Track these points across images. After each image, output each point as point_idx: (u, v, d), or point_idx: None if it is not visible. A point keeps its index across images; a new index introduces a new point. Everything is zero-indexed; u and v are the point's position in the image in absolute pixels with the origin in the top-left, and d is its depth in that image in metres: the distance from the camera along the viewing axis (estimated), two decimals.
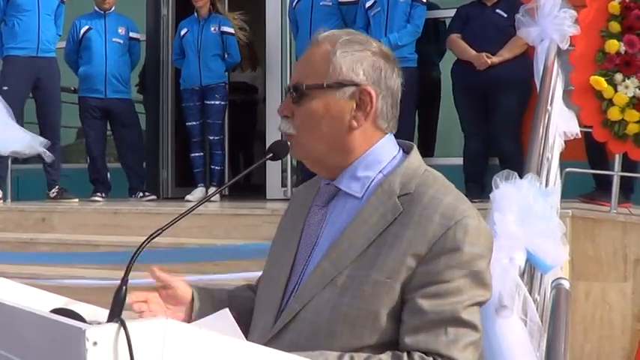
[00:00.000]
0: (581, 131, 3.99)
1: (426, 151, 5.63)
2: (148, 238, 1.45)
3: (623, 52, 4.16)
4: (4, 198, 5.87)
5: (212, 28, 6.16)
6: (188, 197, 6.03)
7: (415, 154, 1.59)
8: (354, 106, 1.53)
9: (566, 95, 4.12)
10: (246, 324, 1.66)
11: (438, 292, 1.42)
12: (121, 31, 6.26)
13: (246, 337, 1.51)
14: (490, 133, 5.24)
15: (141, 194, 6.20)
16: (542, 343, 2.26)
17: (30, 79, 5.96)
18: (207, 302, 1.69)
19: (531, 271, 2.53)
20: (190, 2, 6.24)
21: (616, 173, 4.27)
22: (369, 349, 1.44)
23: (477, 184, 5.13)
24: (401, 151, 1.60)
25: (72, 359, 1.03)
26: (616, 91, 4.14)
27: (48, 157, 5.84)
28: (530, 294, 2.42)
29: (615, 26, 4.19)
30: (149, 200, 6.13)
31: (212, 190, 6.07)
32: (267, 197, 6.25)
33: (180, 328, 1.09)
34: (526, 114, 4.97)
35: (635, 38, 4.15)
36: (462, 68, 5.25)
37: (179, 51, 6.31)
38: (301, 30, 5.82)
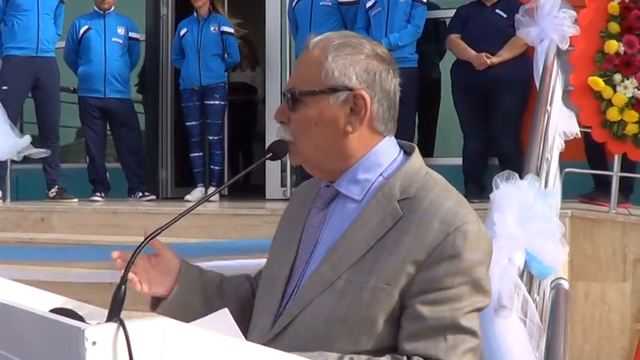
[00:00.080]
0: (580, 131, 3.98)
1: (426, 151, 5.63)
2: (147, 238, 1.45)
3: (622, 53, 4.16)
4: (4, 198, 5.87)
5: (212, 28, 6.16)
6: (187, 197, 6.03)
7: (416, 156, 1.57)
8: (349, 110, 1.51)
9: (566, 95, 4.12)
10: (236, 313, 1.65)
11: (437, 299, 1.42)
12: (121, 31, 6.26)
13: (245, 334, 1.51)
14: (490, 133, 5.24)
15: (140, 194, 6.20)
16: (541, 343, 2.26)
17: (29, 79, 5.96)
18: (192, 280, 1.68)
19: (531, 272, 2.53)
20: (190, 2, 6.24)
21: (615, 174, 4.27)
22: (367, 353, 1.44)
23: (476, 185, 5.13)
24: (402, 152, 1.59)
25: (71, 359, 1.03)
26: (615, 91, 4.14)
27: (41, 153, 5.81)
28: (529, 294, 2.42)
29: (614, 27, 4.19)
30: (148, 200, 6.13)
31: (211, 190, 6.07)
32: (267, 197, 6.25)
33: (179, 328, 1.09)
34: (526, 114, 4.97)
35: (634, 39, 4.15)
36: (461, 68, 5.25)
37: (178, 51, 6.31)
38: (301, 30, 5.81)
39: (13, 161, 5.99)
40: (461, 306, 1.43)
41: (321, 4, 5.73)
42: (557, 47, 4.12)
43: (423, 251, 1.43)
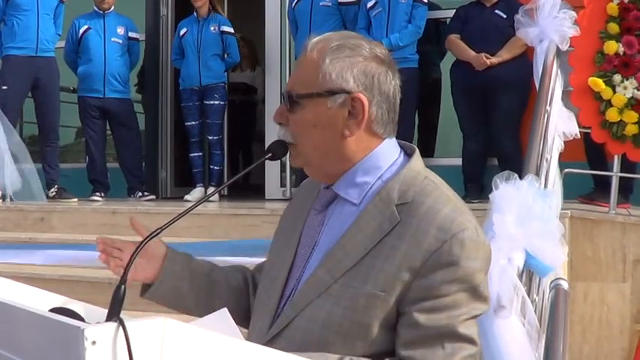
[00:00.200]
0: (580, 132, 3.99)
1: (426, 152, 5.64)
2: (146, 238, 1.45)
3: (621, 53, 4.16)
4: (4, 197, 5.86)
5: (212, 28, 6.16)
6: (187, 197, 6.03)
7: (416, 158, 1.55)
8: (346, 114, 1.49)
9: (566, 96, 4.12)
10: (230, 302, 1.67)
11: (434, 307, 1.41)
12: (120, 30, 6.27)
13: (239, 324, 1.52)
14: (489, 133, 5.25)
15: (140, 194, 6.20)
16: (540, 343, 2.26)
17: (29, 79, 5.96)
18: (179, 266, 1.69)
19: (530, 271, 2.54)
20: (190, 2, 6.24)
21: (615, 174, 4.27)
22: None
23: (476, 185, 5.13)
24: (402, 154, 1.57)
25: (71, 358, 1.03)
26: (614, 92, 4.14)
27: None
28: (528, 294, 2.42)
29: (614, 27, 4.19)
30: (148, 200, 6.13)
31: (211, 190, 6.07)
32: (266, 197, 6.25)
33: (179, 328, 1.09)
34: (525, 114, 4.97)
35: (633, 39, 4.15)
36: (461, 69, 5.25)
37: (178, 51, 6.32)
38: (301, 30, 5.81)
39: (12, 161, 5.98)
40: (458, 313, 1.41)
41: (320, 4, 5.73)
42: (557, 47, 4.12)
43: (419, 258, 1.41)
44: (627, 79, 4.14)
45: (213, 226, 4.71)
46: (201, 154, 6.34)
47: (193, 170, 6.33)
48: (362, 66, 1.50)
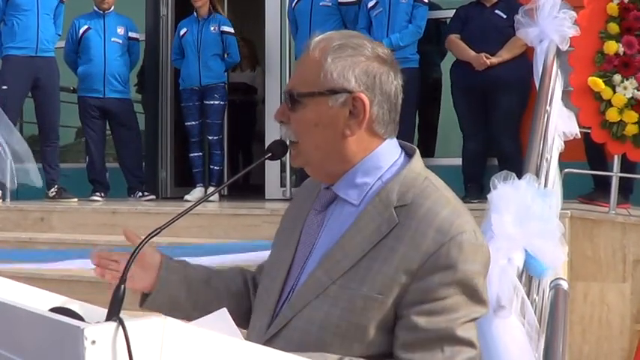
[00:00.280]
0: (580, 132, 3.99)
1: (426, 152, 5.64)
2: (146, 238, 1.45)
3: (621, 54, 4.16)
4: (4, 197, 5.87)
5: (212, 28, 6.16)
6: (187, 197, 6.03)
7: (417, 159, 1.55)
8: (347, 113, 1.49)
9: (566, 96, 4.12)
10: (230, 307, 1.65)
11: (433, 310, 1.40)
12: (120, 30, 6.27)
13: (242, 327, 1.52)
14: (489, 133, 5.25)
15: (140, 194, 6.20)
16: (540, 343, 2.26)
17: (29, 79, 5.96)
18: (175, 274, 1.69)
19: (529, 271, 2.53)
20: (190, 2, 6.24)
21: (615, 174, 4.28)
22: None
23: (476, 185, 5.13)
24: (403, 155, 1.56)
25: (70, 358, 1.03)
26: (614, 92, 4.15)
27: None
28: (528, 294, 2.42)
29: (614, 27, 4.20)
30: (148, 200, 6.13)
31: (211, 190, 6.07)
32: (266, 197, 6.25)
33: (178, 327, 1.09)
34: (525, 114, 4.97)
35: (633, 39, 4.15)
36: (461, 69, 5.25)
37: (178, 51, 6.32)
38: (301, 30, 5.82)
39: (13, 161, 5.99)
40: (457, 316, 1.41)
41: (321, 4, 5.73)
42: (557, 47, 4.13)
43: (417, 261, 1.41)
44: (627, 79, 4.14)
45: (213, 226, 4.72)
46: (201, 154, 6.34)
47: (193, 170, 6.33)
48: (364, 66, 1.50)
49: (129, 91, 6.41)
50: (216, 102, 6.18)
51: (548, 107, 3.70)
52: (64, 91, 6.51)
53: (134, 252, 1.37)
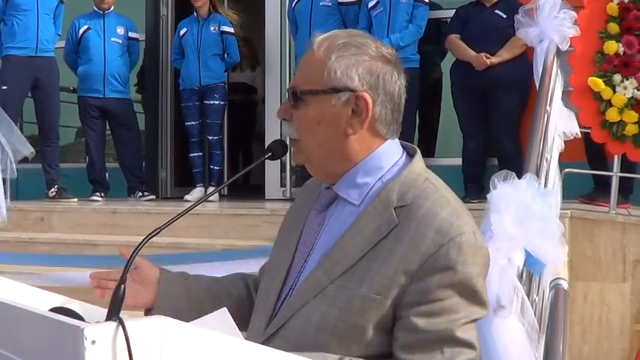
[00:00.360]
0: (580, 132, 3.99)
1: (427, 152, 5.64)
2: (146, 238, 1.45)
3: (621, 53, 4.16)
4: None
5: (212, 28, 6.16)
6: (187, 197, 6.03)
7: (418, 160, 1.54)
8: (350, 112, 1.49)
9: (566, 96, 4.12)
10: (233, 312, 1.65)
11: (432, 311, 1.40)
12: (120, 30, 6.27)
13: (244, 332, 1.52)
14: (489, 133, 5.25)
15: (140, 194, 6.20)
16: (540, 343, 2.26)
17: (29, 79, 5.96)
18: (174, 287, 1.69)
19: (530, 271, 2.53)
20: (190, 2, 6.24)
21: (615, 174, 4.28)
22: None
23: (476, 185, 5.13)
24: (404, 155, 1.56)
25: (70, 358, 1.03)
26: (614, 92, 4.15)
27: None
28: (528, 294, 2.42)
29: (614, 27, 4.20)
30: (148, 200, 6.13)
31: (211, 190, 6.06)
32: (266, 197, 6.25)
33: (178, 327, 1.09)
34: (525, 114, 4.97)
35: (633, 39, 4.15)
36: (461, 69, 5.25)
37: (178, 51, 6.32)
38: (301, 30, 5.82)
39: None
40: (456, 317, 1.40)
41: (321, 4, 5.73)
42: (557, 47, 4.13)
43: (416, 261, 1.40)
44: (627, 79, 4.14)
45: (213, 226, 4.72)
46: (201, 154, 6.34)
47: (193, 170, 6.33)
48: (368, 65, 1.50)
49: (129, 91, 6.41)
50: (216, 102, 6.18)
51: (548, 107, 3.70)
52: (64, 91, 6.51)
53: (134, 251, 1.38)
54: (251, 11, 6.74)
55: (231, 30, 6.21)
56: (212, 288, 1.74)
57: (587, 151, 4.67)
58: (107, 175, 6.32)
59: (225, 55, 6.22)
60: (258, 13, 6.63)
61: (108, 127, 6.39)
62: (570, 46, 4.20)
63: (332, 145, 1.51)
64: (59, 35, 6.22)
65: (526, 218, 2.45)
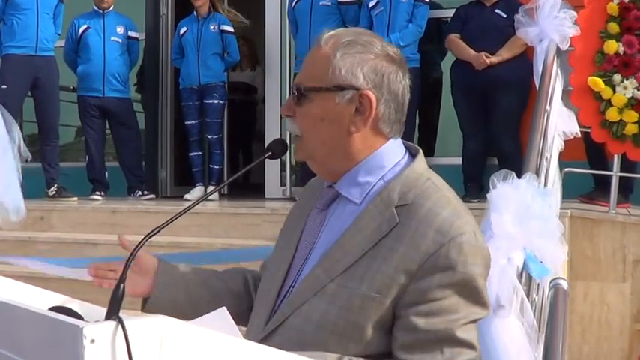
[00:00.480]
0: (580, 131, 3.99)
1: (427, 151, 5.61)
2: (145, 237, 1.45)
3: (621, 53, 4.16)
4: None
5: (211, 27, 6.16)
6: (187, 196, 6.03)
7: (420, 160, 1.55)
8: (354, 110, 1.49)
9: (566, 95, 4.12)
10: (230, 307, 1.67)
11: (431, 310, 1.40)
12: (120, 30, 6.27)
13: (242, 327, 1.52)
14: (489, 133, 5.25)
15: (140, 193, 6.20)
16: (539, 343, 2.26)
17: (29, 78, 5.96)
18: (172, 278, 1.70)
19: (528, 273, 2.53)
20: (190, 1, 6.24)
21: (615, 174, 4.28)
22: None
23: (476, 185, 5.13)
24: (407, 155, 1.56)
25: (70, 357, 1.03)
26: (614, 91, 4.15)
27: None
28: (528, 294, 2.42)
29: (614, 27, 4.20)
30: (148, 199, 6.13)
31: (211, 189, 6.06)
32: (266, 197, 6.25)
33: (177, 326, 1.09)
34: (525, 114, 4.97)
35: (633, 39, 4.15)
36: (460, 68, 5.25)
37: (178, 50, 6.32)
38: (300, 30, 5.82)
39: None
40: (456, 317, 1.40)
41: (320, 3, 5.73)
42: (557, 47, 4.13)
43: (417, 261, 1.40)
44: (627, 79, 4.14)
45: (213, 225, 4.72)
46: (200, 153, 6.33)
47: (193, 170, 6.33)
48: (372, 63, 1.50)
49: (128, 91, 6.41)
50: (216, 101, 6.18)
51: (548, 107, 3.70)
52: (63, 91, 6.51)
53: (134, 251, 1.38)
54: (251, 11, 6.73)
55: (231, 29, 6.21)
56: (210, 281, 1.75)
57: (587, 151, 4.67)
58: (107, 174, 6.32)
59: (225, 55, 6.22)
60: (258, 13, 6.63)
61: (108, 126, 6.39)
62: (570, 46, 4.20)
63: (335, 142, 1.51)
64: (59, 34, 6.22)
65: (526, 218, 2.45)
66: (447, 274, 1.40)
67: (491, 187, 2.56)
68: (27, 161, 5.45)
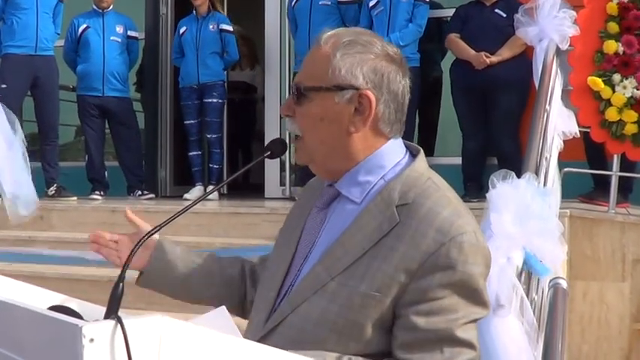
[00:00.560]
0: (579, 131, 3.99)
1: (426, 151, 5.61)
2: (145, 236, 1.45)
3: (621, 53, 4.16)
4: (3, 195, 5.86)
5: (210, 26, 6.16)
6: (186, 196, 6.03)
7: (420, 160, 1.55)
8: (353, 110, 1.49)
9: (565, 95, 4.12)
10: (223, 292, 1.75)
11: (431, 310, 1.40)
12: (119, 29, 6.27)
13: (232, 313, 1.53)
14: (489, 132, 5.25)
15: (139, 193, 6.20)
16: (539, 343, 2.26)
17: (28, 78, 5.96)
18: (169, 255, 1.74)
19: (529, 270, 2.54)
20: (189, 1, 6.24)
21: (614, 173, 4.28)
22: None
23: (475, 184, 5.13)
24: (407, 155, 1.56)
25: (69, 356, 1.03)
26: (614, 91, 4.14)
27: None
28: (527, 293, 2.42)
29: (613, 27, 4.19)
30: (147, 199, 6.13)
31: (210, 189, 6.06)
32: (266, 196, 6.25)
33: (177, 326, 1.09)
34: (525, 114, 4.97)
35: (633, 39, 4.15)
36: (460, 68, 5.25)
37: (178, 49, 6.32)
38: (300, 29, 5.82)
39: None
40: (456, 317, 1.40)
41: (320, 3, 5.73)
42: (557, 47, 4.13)
43: (417, 260, 1.40)
44: (627, 79, 4.14)
45: (213, 225, 4.72)
46: (200, 152, 6.33)
47: (192, 169, 6.33)
48: (372, 63, 1.50)
49: (128, 90, 6.41)
50: (215, 100, 6.17)
51: (547, 106, 3.70)
52: (63, 90, 6.51)
53: (134, 249, 1.38)
54: (250, 10, 6.73)
55: (230, 28, 6.21)
56: (207, 263, 1.78)
57: (587, 151, 4.67)
58: (106, 173, 6.32)
59: (224, 54, 6.22)
60: (258, 12, 6.63)
61: (107, 125, 6.39)
62: (570, 46, 4.20)
63: (335, 142, 1.52)
64: (58, 34, 6.22)
65: (525, 217, 2.45)
66: (447, 274, 1.40)
67: (490, 187, 2.56)
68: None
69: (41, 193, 6.02)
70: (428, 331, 1.39)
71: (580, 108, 4.18)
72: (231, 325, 1.35)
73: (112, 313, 1.16)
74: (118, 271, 1.31)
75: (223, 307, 1.37)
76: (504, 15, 5.11)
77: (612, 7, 4.19)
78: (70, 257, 4.36)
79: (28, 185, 5.03)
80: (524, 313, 2.31)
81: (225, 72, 6.39)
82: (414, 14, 5.41)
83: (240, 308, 1.76)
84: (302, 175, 5.52)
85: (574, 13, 4.17)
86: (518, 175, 2.67)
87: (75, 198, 5.97)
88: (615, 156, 4.30)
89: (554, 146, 3.64)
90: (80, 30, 6.21)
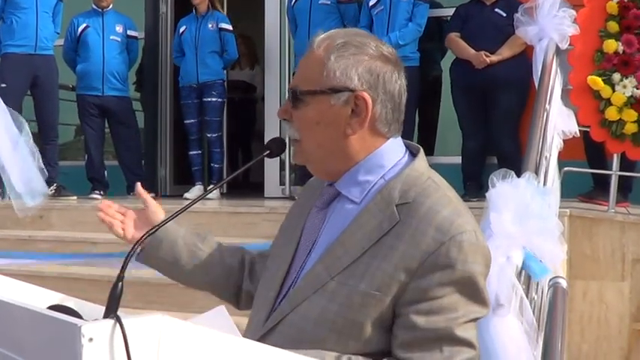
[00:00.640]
0: (579, 130, 3.99)
1: (426, 150, 5.61)
2: (145, 235, 1.45)
3: (621, 52, 4.16)
4: (3, 195, 5.86)
5: (210, 25, 6.16)
6: (186, 195, 6.03)
7: (420, 159, 1.55)
8: (350, 112, 1.49)
9: (565, 94, 4.12)
10: (220, 278, 1.76)
11: (431, 309, 1.40)
12: (119, 28, 6.27)
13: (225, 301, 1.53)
14: (489, 132, 5.25)
15: None
16: (538, 342, 2.26)
17: (28, 77, 5.96)
18: (169, 235, 1.75)
19: (527, 271, 2.53)
20: (189, 0, 6.24)
21: (614, 173, 4.28)
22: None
23: (475, 183, 5.13)
24: (407, 154, 1.56)
25: (68, 355, 1.03)
26: (614, 90, 4.14)
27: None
28: (527, 293, 2.42)
29: (613, 26, 4.19)
30: None
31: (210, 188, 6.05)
32: (266, 195, 6.25)
33: (176, 325, 1.09)
34: (525, 113, 4.97)
35: (633, 38, 4.15)
36: (460, 67, 5.25)
37: (179, 48, 6.32)
38: (300, 28, 5.82)
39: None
40: (456, 316, 1.40)
41: (320, 2, 5.73)
42: (557, 46, 4.12)
43: (417, 259, 1.41)
44: (626, 78, 4.14)
45: (213, 224, 4.71)
46: (200, 152, 6.33)
47: (192, 168, 6.32)
48: (367, 64, 1.49)
49: (128, 89, 6.41)
50: (215, 99, 6.17)
51: (547, 106, 3.70)
52: (63, 89, 6.51)
53: (133, 248, 1.38)
54: (250, 9, 6.73)
55: (229, 27, 6.21)
56: (208, 248, 1.79)
57: (587, 150, 4.67)
58: (106, 173, 6.32)
59: (224, 53, 6.21)
60: (258, 11, 6.63)
61: (107, 125, 6.38)
62: (570, 45, 4.20)
63: (332, 145, 1.52)
64: (58, 33, 6.22)
65: (525, 217, 2.45)
66: (447, 273, 1.40)
67: (490, 186, 2.56)
68: None
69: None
70: (428, 330, 1.39)
71: (580, 107, 4.18)
72: (230, 324, 1.35)
73: (111, 312, 1.15)
74: (117, 271, 1.31)
75: (222, 307, 1.37)
76: (504, 14, 5.11)
77: (612, 6, 4.19)
78: (69, 257, 4.36)
79: (38, 179, 5.05)
80: (524, 313, 2.31)
81: (225, 71, 6.39)
82: (413, 13, 5.41)
83: (234, 298, 1.77)
84: (302, 174, 5.52)
85: (574, 12, 4.18)
86: (518, 175, 2.66)
87: (74, 197, 5.96)
88: (615, 155, 4.30)
89: (553, 145, 3.64)
90: (80, 29, 6.21)
